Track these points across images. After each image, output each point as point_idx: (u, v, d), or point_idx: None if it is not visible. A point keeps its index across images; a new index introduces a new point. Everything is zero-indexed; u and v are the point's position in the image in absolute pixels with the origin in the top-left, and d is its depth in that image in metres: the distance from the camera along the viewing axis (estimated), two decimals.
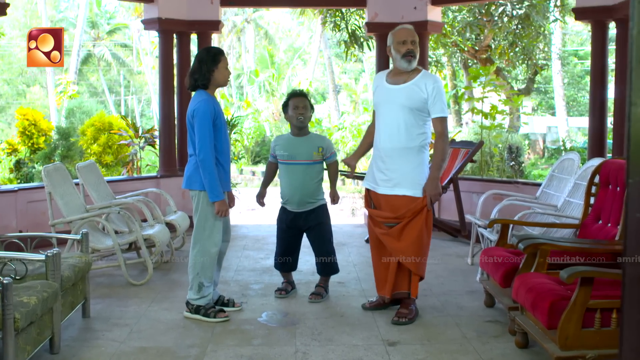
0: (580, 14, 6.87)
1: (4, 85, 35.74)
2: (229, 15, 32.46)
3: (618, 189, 4.48)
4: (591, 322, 3.38)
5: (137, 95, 38.16)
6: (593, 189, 4.81)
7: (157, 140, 8.58)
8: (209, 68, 4.39)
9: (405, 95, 4.35)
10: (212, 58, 4.41)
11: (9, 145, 13.56)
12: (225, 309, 4.65)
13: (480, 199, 6.16)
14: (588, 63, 31.45)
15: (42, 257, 3.87)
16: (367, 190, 4.68)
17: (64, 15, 34.76)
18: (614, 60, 6.92)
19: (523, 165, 13.69)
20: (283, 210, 5.12)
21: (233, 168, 17.97)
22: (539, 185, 6.72)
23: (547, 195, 6.00)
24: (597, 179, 4.77)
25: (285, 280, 5.23)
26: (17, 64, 35.32)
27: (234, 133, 9.95)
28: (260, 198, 5.17)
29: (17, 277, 3.85)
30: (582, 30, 29.83)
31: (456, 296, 5.14)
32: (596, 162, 5.23)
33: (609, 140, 7.31)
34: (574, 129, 24.26)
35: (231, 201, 4.84)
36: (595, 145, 6.88)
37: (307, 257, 5.77)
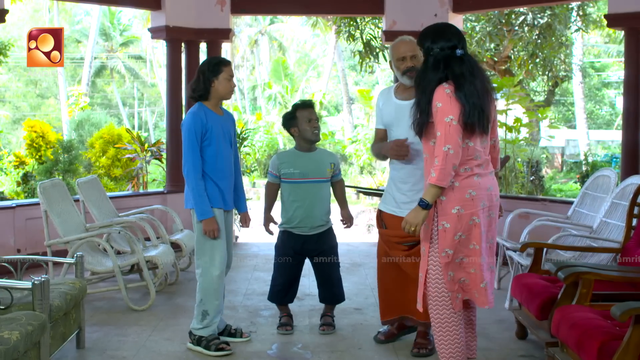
0: (613, 20, 6.44)
1: (19, 98, 35.71)
2: (243, 27, 32.28)
3: None
4: None
5: (150, 108, 38.03)
6: (635, 210, 4.39)
7: (164, 154, 8.23)
8: (208, 78, 4.06)
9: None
10: (213, 68, 4.06)
11: (16, 158, 13.32)
12: (233, 340, 4.26)
13: (508, 219, 5.72)
14: (605, 75, 31.00)
15: (28, 284, 3.50)
16: (380, 211, 4.19)
17: (75, 28, 34.66)
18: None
19: (543, 179, 13.25)
20: (288, 235, 4.55)
21: (245, 181, 17.57)
22: (567, 202, 6.31)
23: (580, 215, 5.56)
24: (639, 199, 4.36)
25: (285, 313, 4.66)
26: (33, 76, 35.31)
27: (244, 146, 9.57)
28: (268, 224, 4.65)
29: (2, 307, 3.50)
30: (599, 42, 29.30)
31: (484, 325, 4.68)
32: (637, 179, 4.81)
33: None
34: (593, 142, 23.72)
35: (245, 221, 4.51)
36: (630, 161, 6.40)
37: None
